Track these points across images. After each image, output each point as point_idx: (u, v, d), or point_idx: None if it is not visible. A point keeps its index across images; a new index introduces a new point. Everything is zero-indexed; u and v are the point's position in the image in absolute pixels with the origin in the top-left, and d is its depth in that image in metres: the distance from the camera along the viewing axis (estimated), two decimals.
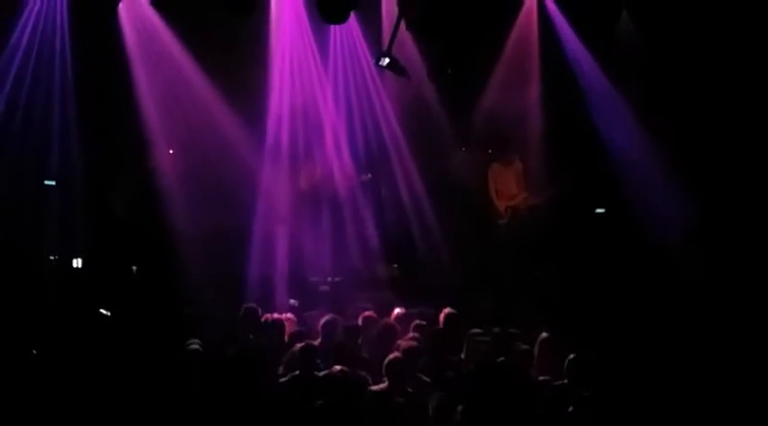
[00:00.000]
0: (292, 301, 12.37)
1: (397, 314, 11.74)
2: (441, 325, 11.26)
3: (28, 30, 13.92)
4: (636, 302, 12.62)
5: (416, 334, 10.80)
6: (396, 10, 14.11)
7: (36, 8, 13.94)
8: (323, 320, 11.43)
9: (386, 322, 11.09)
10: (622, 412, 8.82)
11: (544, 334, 10.49)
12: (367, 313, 11.47)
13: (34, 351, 9.51)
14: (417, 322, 11.25)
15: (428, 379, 9.95)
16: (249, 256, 13.79)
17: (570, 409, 8.98)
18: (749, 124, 13.76)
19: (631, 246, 14.18)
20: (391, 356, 9.84)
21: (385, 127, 15.07)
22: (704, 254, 13.48)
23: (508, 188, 15.06)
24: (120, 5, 13.89)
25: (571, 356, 9.76)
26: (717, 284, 12.80)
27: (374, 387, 9.62)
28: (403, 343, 10.23)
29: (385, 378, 9.68)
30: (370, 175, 15.05)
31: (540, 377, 9.86)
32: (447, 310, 11.59)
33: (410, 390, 9.58)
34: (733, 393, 9.28)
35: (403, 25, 13.93)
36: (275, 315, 11.33)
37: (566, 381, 9.45)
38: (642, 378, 9.55)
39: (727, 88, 13.82)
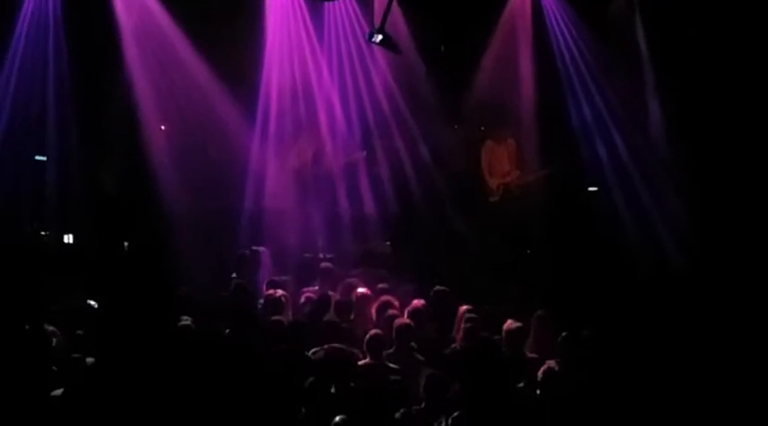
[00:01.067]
0: (285, 278, 12.35)
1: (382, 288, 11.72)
2: (432, 303, 11.24)
3: (28, 16, 13.85)
4: (629, 283, 12.63)
5: (410, 312, 10.79)
6: None
7: None
8: (315, 296, 11.44)
9: (382, 299, 11.08)
10: (616, 392, 8.81)
11: (539, 312, 10.48)
12: (361, 289, 11.45)
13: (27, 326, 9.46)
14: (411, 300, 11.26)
15: (422, 358, 9.95)
16: (240, 232, 13.81)
17: (563, 387, 8.97)
18: (747, 107, 13.73)
19: (623, 227, 14.22)
20: (372, 332, 9.86)
21: (379, 104, 15.05)
22: (697, 239, 13.50)
23: (501, 165, 15.05)
24: None
25: (564, 334, 9.77)
26: (710, 267, 12.81)
27: (359, 363, 9.62)
28: (396, 321, 10.22)
29: (367, 354, 9.69)
30: (364, 152, 15.03)
31: (533, 355, 9.84)
32: (437, 287, 11.59)
33: (393, 366, 9.59)
34: (727, 375, 9.28)
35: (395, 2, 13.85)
36: (270, 292, 11.30)
37: (559, 359, 9.42)
38: (635, 357, 9.55)
39: (725, 68, 13.78)
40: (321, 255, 13.79)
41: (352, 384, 8.92)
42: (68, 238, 14.11)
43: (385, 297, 11.08)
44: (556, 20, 15.05)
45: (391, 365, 9.66)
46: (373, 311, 10.94)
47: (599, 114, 14.93)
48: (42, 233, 13.97)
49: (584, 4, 14.76)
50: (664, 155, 14.50)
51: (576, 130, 14.93)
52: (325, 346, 9.58)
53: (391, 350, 9.94)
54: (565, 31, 15.02)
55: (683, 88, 14.06)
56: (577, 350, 9.52)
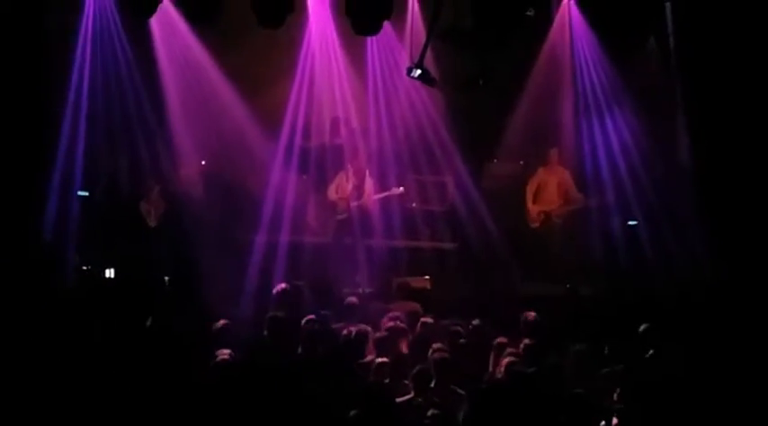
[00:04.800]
0: (325, 312, 12.36)
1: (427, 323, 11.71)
2: (469, 337, 11.21)
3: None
4: (671, 316, 12.52)
5: (448, 346, 10.76)
6: (422, 21, 14.16)
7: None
8: (354, 331, 11.42)
9: (420, 333, 11.06)
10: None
11: (577, 347, 10.42)
12: (401, 325, 11.45)
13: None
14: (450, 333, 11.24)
15: (461, 391, 9.90)
16: (279, 266, 13.84)
17: (603, 423, 8.89)
18: None
19: (665, 257, 14.15)
20: (418, 367, 9.83)
21: (419, 138, 15.10)
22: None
23: (549, 195, 15.06)
24: (153, 19, 13.94)
25: (605, 370, 9.70)
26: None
27: (400, 398, 9.58)
28: (435, 355, 10.18)
29: (411, 389, 9.65)
30: (402, 188, 15.05)
31: (573, 390, 9.76)
32: (475, 322, 11.56)
33: (437, 400, 9.54)
34: None
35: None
36: (307, 326, 11.30)
37: (599, 394, 9.35)
38: (681, 391, 9.44)
39: (754, 102, 13.72)
40: (360, 290, 13.80)
41: (393, 419, 8.89)
42: (110, 273, 14.18)
43: (423, 331, 11.08)
44: (587, 55, 15.07)
45: (436, 399, 9.63)
46: (409, 345, 10.92)
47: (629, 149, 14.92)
48: (84, 268, 14.05)
49: (615, 44, 14.73)
50: (690, 191, 14.46)
51: (611, 164, 14.92)
52: (366, 380, 9.56)
53: (431, 384, 9.91)
54: (598, 66, 15.04)
55: (714, 127, 13.99)
56: (618, 384, 9.42)
